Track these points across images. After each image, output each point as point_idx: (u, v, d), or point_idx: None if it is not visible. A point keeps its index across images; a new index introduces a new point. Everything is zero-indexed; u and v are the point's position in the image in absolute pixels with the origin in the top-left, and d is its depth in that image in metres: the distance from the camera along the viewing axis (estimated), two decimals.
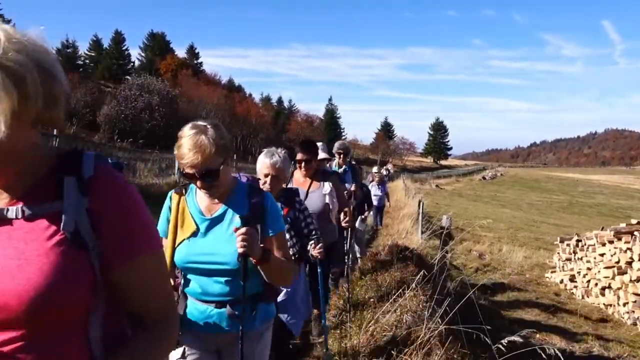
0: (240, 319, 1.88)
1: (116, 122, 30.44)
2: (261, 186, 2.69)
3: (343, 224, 4.09)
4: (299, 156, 3.83)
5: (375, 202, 11.36)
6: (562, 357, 2.51)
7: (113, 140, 25.14)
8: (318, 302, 3.74)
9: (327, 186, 3.91)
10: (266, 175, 2.83)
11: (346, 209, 4.20)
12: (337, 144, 5.98)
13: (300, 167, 3.90)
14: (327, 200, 3.91)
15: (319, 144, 4.71)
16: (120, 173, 0.99)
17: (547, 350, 2.65)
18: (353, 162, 6.47)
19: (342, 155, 5.84)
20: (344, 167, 5.81)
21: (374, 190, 11.25)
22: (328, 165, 5.33)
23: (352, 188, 5.52)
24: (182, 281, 1.97)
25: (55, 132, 9.18)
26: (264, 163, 2.84)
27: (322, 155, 4.69)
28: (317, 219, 3.61)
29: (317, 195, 3.92)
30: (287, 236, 2.73)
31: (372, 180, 11.56)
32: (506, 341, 3.00)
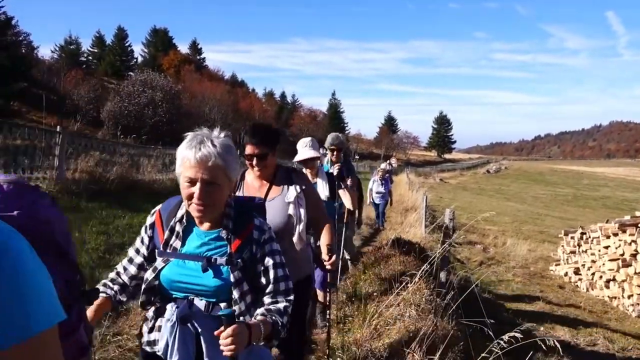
0: None
1: (119, 118, 30.44)
2: (188, 208, 1.65)
3: (326, 264, 2.73)
4: (248, 149, 2.60)
5: (377, 200, 11.15)
6: (560, 349, 2.51)
7: (116, 136, 25.19)
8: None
9: (293, 191, 2.64)
10: (192, 182, 1.57)
11: (328, 224, 2.82)
12: (329, 138, 5.08)
13: (251, 166, 2.64)
14: (290, 211, 2.62)
15: (307, 139, 4.02)
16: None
17: (547, 341, 2.66)
18: (349, 158, 5.71)
19: (335, 152, 5.02)
20: (337, 165, 4.94)
21: (376, 187, 11.05)
22: (319, 163, 4.37)
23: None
24: None
25: (58, 129, 9.21)
26: (185, 159, 1.58)
27: (311, 153, 3.91)
28: (278, 240, 2.54)
29: (277, 205, 2.64)
30: (236, 293, 1.64)
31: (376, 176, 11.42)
32: (509, 335, 3.01)
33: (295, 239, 2.64)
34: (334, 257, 2.67)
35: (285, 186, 2.68)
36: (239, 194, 2.71)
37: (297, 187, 2.67)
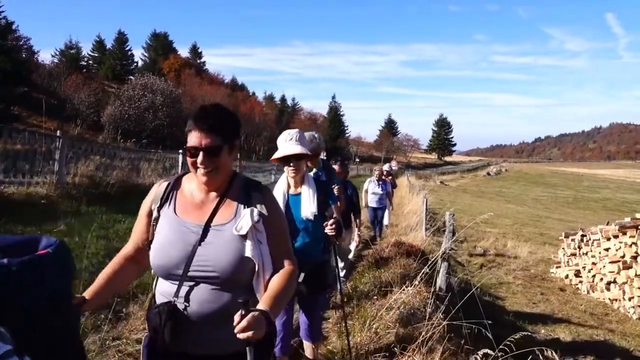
0: None
1: (120, 122, 30.55)
2: None
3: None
4: (193, 138, 1.59)
5: (373, 203, 9.77)
6: (560, 352, 2.51)
7: (117, 140, 25.24)
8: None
9: (248, 218, 1.60)
10: None
11: (291, 269, 1.70)
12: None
13: (194, 166, 1.62)
14: (248, 252, 1.57)
15: (293, 131, 2.88)
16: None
17: (544, 352, 2.66)
18: (342, 164, 4.96)
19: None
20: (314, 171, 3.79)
21: (372, 188, 9.76)
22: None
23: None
24: None
25: (58, 133, 9.22)
26: None
27: (295, 149, 2.77)
28: (219, 290, 1.60)
29: (225, 238, 1.60)
30: None
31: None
32: (508, 340, 3.00)
33: (258, 285, 1.61)
34: None
35: (242, 206, 1.66)
36: (165, 211, 1.68)
37: (255, 211, 1.63)
